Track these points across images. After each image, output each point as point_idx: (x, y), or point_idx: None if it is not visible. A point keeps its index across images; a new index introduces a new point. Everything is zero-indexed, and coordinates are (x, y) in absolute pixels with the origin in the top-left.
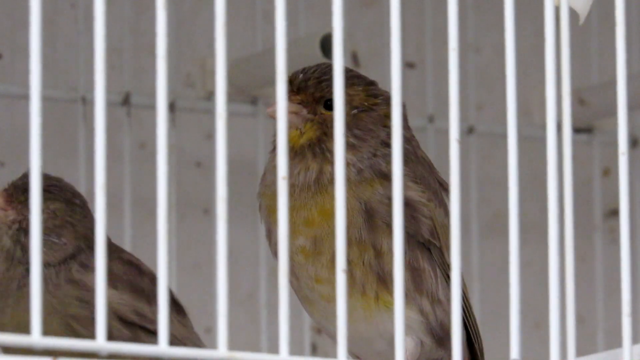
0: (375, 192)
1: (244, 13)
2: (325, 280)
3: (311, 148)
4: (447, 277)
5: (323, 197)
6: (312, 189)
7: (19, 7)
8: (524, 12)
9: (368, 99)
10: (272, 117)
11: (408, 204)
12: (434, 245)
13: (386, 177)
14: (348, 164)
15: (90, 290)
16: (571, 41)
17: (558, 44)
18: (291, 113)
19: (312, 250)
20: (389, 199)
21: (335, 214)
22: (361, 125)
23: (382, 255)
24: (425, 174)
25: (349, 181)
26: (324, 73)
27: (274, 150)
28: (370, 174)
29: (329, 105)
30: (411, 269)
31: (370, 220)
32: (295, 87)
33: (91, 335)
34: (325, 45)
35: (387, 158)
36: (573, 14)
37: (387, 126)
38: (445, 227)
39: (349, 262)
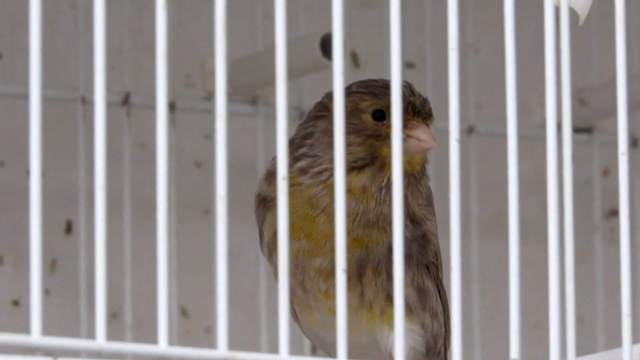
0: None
1: (244, 13)
2: (335, 296)
3: (423, 170)
4: (439, 292)
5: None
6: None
7: (19, 7)
8: (524, 12)
9: None
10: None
11: (424, 236)
12: (432, 264)
13: (413, 221)
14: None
15: None
16: (571, 41)
17: (558, 44)
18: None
19: (328, 269)
20: (411, 236)
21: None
22: None
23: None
24: (430, 194)
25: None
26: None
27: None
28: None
29: None
30: (418, 288)
31: (390, 254)
32: (425, 113)
33: None
34: (325, 45)
35: (418, 200)
36: (573, 14)
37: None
38: (439, 247)
39: (363, 284)
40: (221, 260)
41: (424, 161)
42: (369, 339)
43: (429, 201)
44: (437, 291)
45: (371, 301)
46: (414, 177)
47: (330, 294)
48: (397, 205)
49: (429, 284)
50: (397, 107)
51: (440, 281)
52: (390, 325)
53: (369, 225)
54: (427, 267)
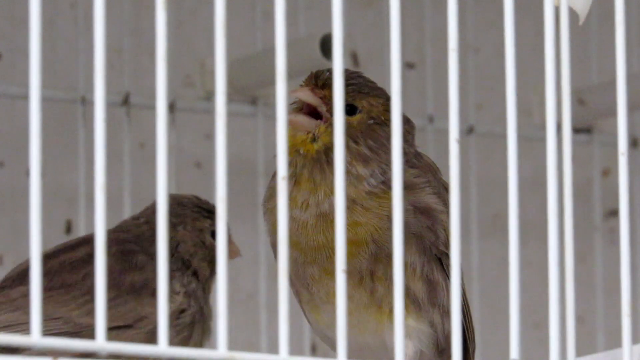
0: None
1: (244, 13)
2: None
3: (327, 155)
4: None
5: (355, 218)
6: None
7: (19, 7)
8: (524, 12)
9: (385, 113)
10: (298, 97)
11: (427, 213)
12: (445, 256)
13: (406, 187)
14: (362, 178)
15: None
16: (571, 41)
17: (558, 44)
18: (307, 115)
19: (328, 273)
20: (412, 205)
21: (356, 241)
22: (374, 137)
23: (405, 270)
24: (436, 183)
25: (364, 196)
26: (351, 78)
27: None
28: (386, 186)
29: (347, 110)
30: (427, 281)
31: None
32: (321, 82)
33: None
34: (325, 45)
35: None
36: (573, 14)
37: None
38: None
39: (375, 278)
40: (221, 260)
41: (320, 140)
42: (377, 338)
43: (433, 187)
44: (449, 286)
45: (381, 299)
46: (322, 154)
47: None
48: (397, 204)
49: (439, 278)
50: (397, 107)
51: None
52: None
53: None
54: (440, 260)
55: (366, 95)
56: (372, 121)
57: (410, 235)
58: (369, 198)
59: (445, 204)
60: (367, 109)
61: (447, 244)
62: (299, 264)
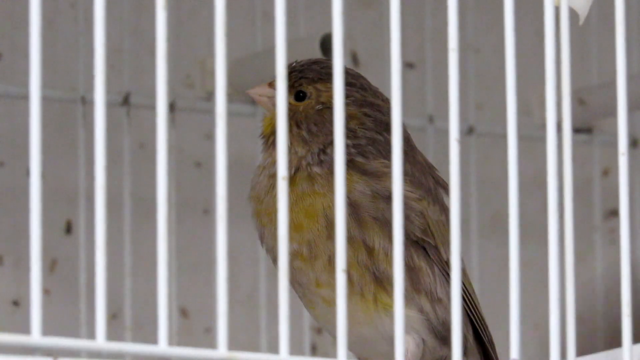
0: (353, 185)
1: (244, 13)
2: (326, 284)
3: (271, 138)
4: (446, 275)
5: (303, 198)
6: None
7: (19, 7)
8: (524, 12)
9: None
10: (252, 98)
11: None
12: (428, 244)
13: (363, 172)
14: (301, 158)
15: None
16: (571, 41)
17: (558, 44)
18: (265, 97)
19: (308, 254)
20: (372, 192)
21: (320, 215)
22: (318, 121)
23: (375, 254)
24: (417, 174)
25: (309, 176)
26: (308, 66)
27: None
28: (326, 166)
29: (300, 96)
30: (406, 268)
31: (356, 214)
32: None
33: None
34: (325, 45)
35: (360, 149)
36: (573, 14)
37: (349, 128)
38: (441, 224)
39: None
40: (221, 260)
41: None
42: (370, 328)
43: (407, 175)
44: (438, 274)
45: (361, 287)
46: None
47: (321, 282)
48: (397, 201)
49: (422, 264)
50: (397, 106)
51: (447, 264)
52: (388, 315)
53: (298, 189)
54: (424, 248)
55: (313, 81)
56: (321, 106)
57: (371, 219)
58: (315, 176)
59: (429, 192)
60: (315, 94)
61: (427, 232)
62: (273, 240)
